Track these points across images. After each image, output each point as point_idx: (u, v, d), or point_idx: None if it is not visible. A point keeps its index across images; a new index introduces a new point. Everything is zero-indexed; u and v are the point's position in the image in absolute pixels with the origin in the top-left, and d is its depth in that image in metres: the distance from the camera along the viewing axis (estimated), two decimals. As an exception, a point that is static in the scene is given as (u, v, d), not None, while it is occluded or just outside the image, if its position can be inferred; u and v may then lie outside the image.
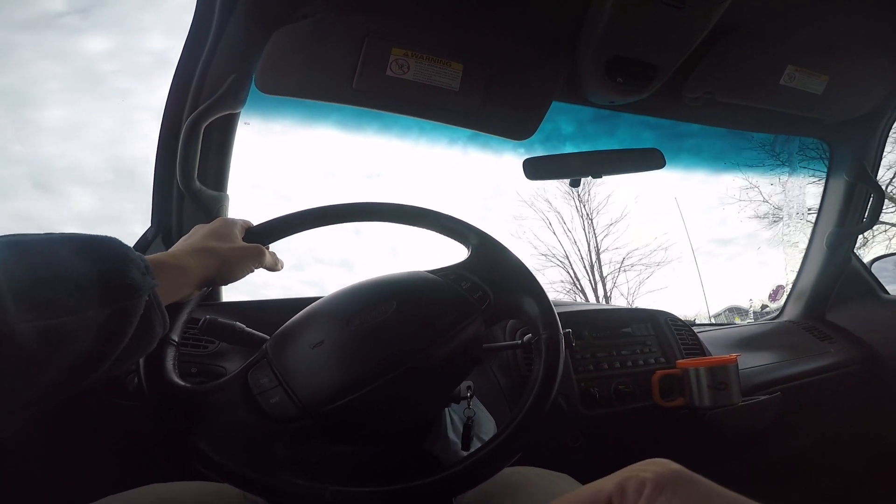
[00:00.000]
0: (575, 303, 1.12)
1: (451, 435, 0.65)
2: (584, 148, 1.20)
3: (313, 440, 0.46)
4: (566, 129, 1.24)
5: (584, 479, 0.60)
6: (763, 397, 0.92)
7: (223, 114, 0.78)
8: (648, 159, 1.04)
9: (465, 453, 0.61)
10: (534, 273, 0.57)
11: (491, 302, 0.54)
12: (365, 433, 0.50)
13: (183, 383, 0.46)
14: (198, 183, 0.81)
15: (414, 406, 0.51)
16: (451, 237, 0.62)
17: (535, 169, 1.01)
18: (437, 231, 0.62)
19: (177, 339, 0.48)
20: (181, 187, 0.80)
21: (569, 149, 1.22)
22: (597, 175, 1.03)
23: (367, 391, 0.45)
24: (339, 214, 0.59)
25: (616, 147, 1.13)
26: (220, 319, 0.58)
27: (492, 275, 0.56)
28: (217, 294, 0.96)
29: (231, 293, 1.00)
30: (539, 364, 0.50)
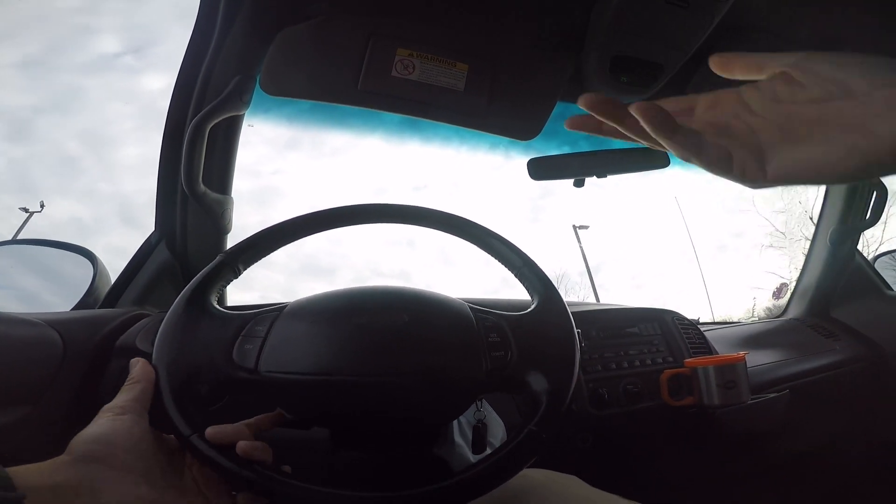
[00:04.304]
0: (583, 303, 1.11)
1: (458, 439, 0.64)
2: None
3: (251, 398, 0.48)
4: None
5: (593, 480, 0.60)
6: (772, 395, 0.92)
7: (227, 116, 0.78)
8: (652, 158, 1.04)
9: (472, 458, 0.61)
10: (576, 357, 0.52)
11: (508, 368, 0.49)
12: (320, 420, 0.50)
13: (216, 306, 0.49)
14: (202, 186, 0.80)
15: (375, 416, 0.49)
16: (523, 283, 0.58)
17: (539, 169, 1.01)
18: (509, 269, 0.59)
19: (241, 269, 0.53)
20: (186, 190, 0.79)
21: (614, 142, 1.22)
22: (601, 175, 1.03)
23: (322, 379, 0.45)
24: (405, 215, 0.59)
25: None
26: None
27: (531, 343, 0.51)
28: (222, 298, 0.95)
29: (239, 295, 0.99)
30: (503, 449, 0.45)
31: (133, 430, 0.40)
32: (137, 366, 0.44)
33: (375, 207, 0.59)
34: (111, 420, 0.40)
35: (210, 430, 0.42)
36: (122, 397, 0.42)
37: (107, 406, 0.42)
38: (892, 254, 1.43)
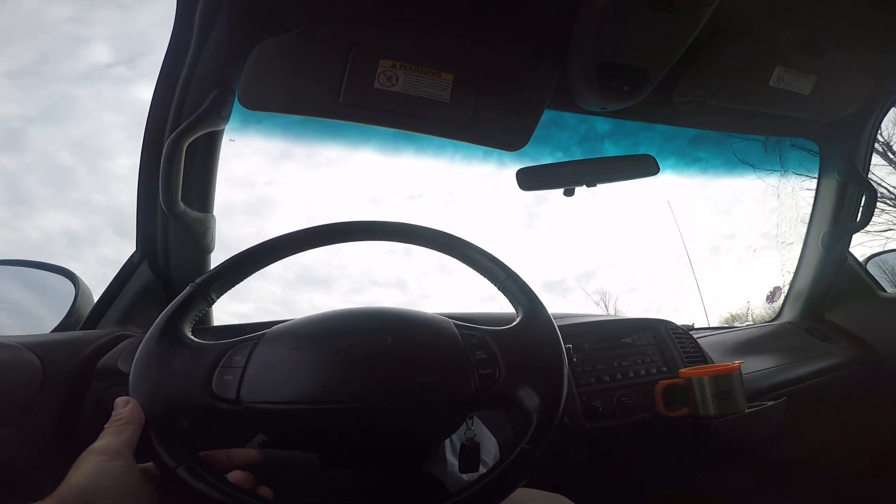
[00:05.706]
0: (575, 314, 1.10)
1: (451, 457, 0.62)
2: (624, 143, 1.21)
3: (230, 428, 0.48)
4: (602, 128, 1.21)
5: (587, 493, 0.58)
6: (769, 403, 0.91)
7: (206, 131, 0.76)
8: (642, 166, 1.03)
9: (463, 476, 0.59)
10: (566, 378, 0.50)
11: (497, 385, 0.47)
12: (307, 446, 0.49)
13: (189, 336, 0.48)
14: (182, 205, 0.78)
15: (364, 441, 0.48)
16: (507, 296, 0.57)
17: (528, 179, 1.00)
18: (492, 282, 0.58)
19: (214, 298, 0.52)
20: (164, 209, 0.77)
21: (608, 148, 1.22)
22: (591, 184, 1.01)
23: (307, 408, 0.44)
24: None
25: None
26: None
27: (518, 358, 0.49)
28: (208, 317, 0.93)
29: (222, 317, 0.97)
30: (495, 469, 0.44)
31: (126, 477, 0.39)
32: (128, 406, 0.42)
33: (356, 225, 0.57)
34: (103, 466, 0.38)
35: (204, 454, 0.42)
36: (112, 440, 0.39)
37: (95, 447, 0.39)
38: (884, 255, 1.43)
